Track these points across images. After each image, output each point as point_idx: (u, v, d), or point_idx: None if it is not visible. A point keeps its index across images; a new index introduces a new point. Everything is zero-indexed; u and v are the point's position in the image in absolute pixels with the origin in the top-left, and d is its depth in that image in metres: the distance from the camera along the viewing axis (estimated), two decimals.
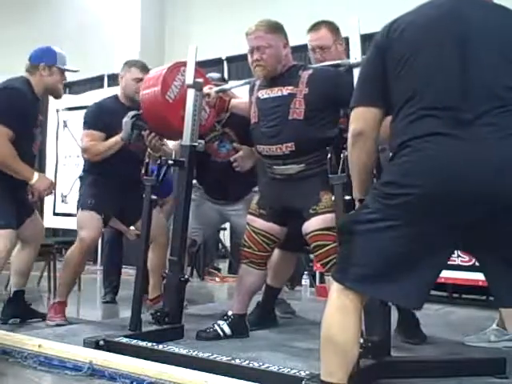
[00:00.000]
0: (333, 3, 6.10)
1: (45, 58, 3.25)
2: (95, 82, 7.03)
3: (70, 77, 7.34)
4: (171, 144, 3.58)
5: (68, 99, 7.10)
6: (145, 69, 3.59)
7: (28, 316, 3.36)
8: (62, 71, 3.30)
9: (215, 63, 6.02)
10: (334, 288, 1.75)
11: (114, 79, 6.92)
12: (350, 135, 1.87)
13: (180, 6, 7.65)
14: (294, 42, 5.74)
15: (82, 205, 3.51)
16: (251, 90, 3.10)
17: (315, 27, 3.12)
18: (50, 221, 6.70)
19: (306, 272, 4.85)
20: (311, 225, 2.83)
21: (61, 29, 8.05)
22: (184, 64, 3.22)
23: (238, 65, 6.00)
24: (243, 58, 5.86)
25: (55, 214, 6.86)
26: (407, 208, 1.61)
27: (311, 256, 4.38)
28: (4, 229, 3.04)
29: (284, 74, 2.92)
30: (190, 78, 3.12)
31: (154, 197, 3.02)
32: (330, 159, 2.62)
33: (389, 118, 1.81)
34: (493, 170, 1.55)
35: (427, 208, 1.60)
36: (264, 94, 2.96)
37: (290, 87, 2.86)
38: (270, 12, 6.58)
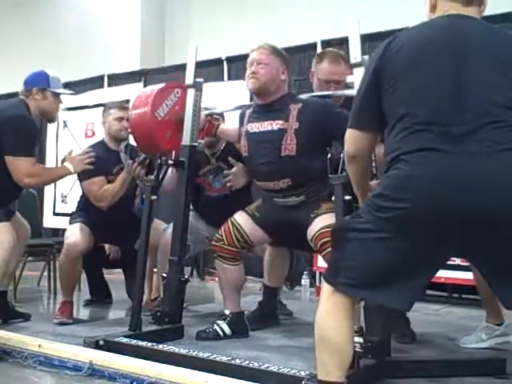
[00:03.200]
0: (333, 3, 6.09)
1: (37, 82, 3.25)
2: (95, 82, 7.04)
3: (70, 77, 7.39)
4: None
5: (68, 99, 7.10)
6: (123, 107, 3.77)
7: (10, 316, 3.35)
8: (56, 94, 3.29)
9: (215, 63, 6.02)
10: (325, 289, 1.77)
11: (114, 79, 6.96)
12: (345, 154, 1.94)
13: (180, 6, 7.64)
14: (293, 42, 5.76)
15: (70, 222, 3.61)
16: (241, 119, 3.11)
17: (335, 60, 3.10)
18: (49, 221, 6.71)
19: (305, 272, 4.85)
20: (315, 226, 2.84)
21: (61, 29, 8.04)
22: (178, 85, 3.23)
23: (237, 65, 5.98)
24: (243, 57, 5.88)
25: (55, 214, 6.87)
26: (398, 222, 1.62)
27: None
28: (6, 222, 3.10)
29: (275, 103, 2.94)
30: (189, 77, 3.12)
31: (153, 197, 3.02)
32: (329, 159, 2.61)
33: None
34: (484, 186, 1.55)
35: (418, 223, 1.60)
36: (254, 127, 2.97)
37: (280, 122, 2.87)
38: (270, 12, 6.65)
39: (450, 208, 1.56)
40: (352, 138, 1.88)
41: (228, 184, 3.23)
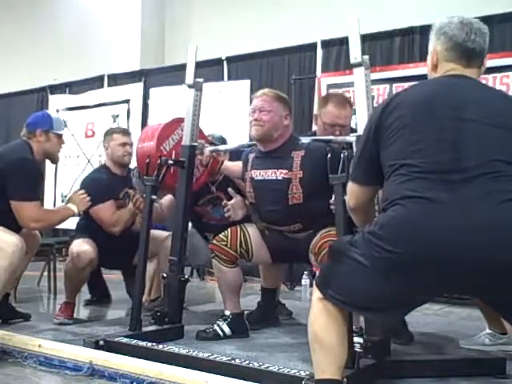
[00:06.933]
0: (333, 3, 6.09)
1: (41, 124, 3.25)
2: (95, 82, 7.04)
3: (70, 77, 7.38)
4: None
5: (68, 99, 7.11)
6: (126, 133, 3.83)
7: (10, 316, 3.35)
8: (59, 136, 3.32)
9: (215, 63, 6.02)
10: (316, 292, 1.80)
11: (113, 79, 6.95)
12: (347, 205, 2.06)
13: (180, 5, 7.64)
14: (294, 42, 5.76)
15: (73, 238, 3.58)
16: (245, 162, 3.12)
17: (341, 103, 3.09)
18: None
19: (305, 272, 4.84)
20: (317, 236, 2.89)
21: (61, 29, 8.04)
22: (183, 120, 3.22)
23: (237, 65, 6.00)
24: (243, 58, 5.94)
25: None
26: (392, 265, 1.62)
27: None
28: None
29: (277, 150, 2.95)
30: (189, 78, 3.12)
31: (154, 196, 3.02)
32: (329, 159, 2.61)
33: None
34: (479, 236, 1.54)
35: (414, 269, 1.60)
36: (258, 174, 2.99)
37: (284, 171, 2.89)
38: (270, 12, 6.65)
39: (449, 257, 1.56)
40: (353, 192, 1.95)
41: (226, 215, 3.20)
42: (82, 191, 3.39)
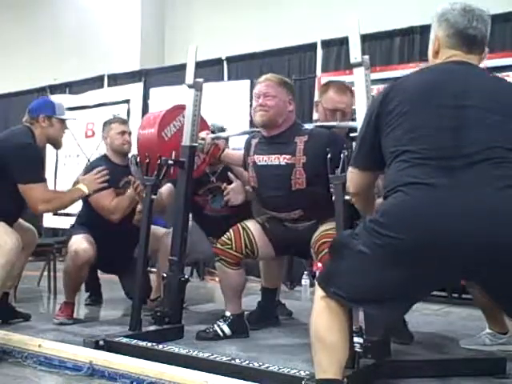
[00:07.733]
0: (333, 3, 6.09)
1: (43, 110, 3.26)
2: (95, 82, 7.04)
3: (70, 77, 7.37)
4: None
5: (68, 99, 7.11)
6: (124, 121, 3.91)
7: (10, 316, 3.35)
8: (62, 121, 3.33)
9: (215, 63, 6.02)
10: (318, 291, 1.80)
11: (114, 79, 6.96)
12: (347, 191, 2.08)
13: (180, 5, 7.64)
14: (294, 42, 5.76)
15: (72, 233, 3.56)
16: (247, 148, 3.12)
17: (341, 90, 3.10)
18: (49, 221, 6.71)
19: (305, 272, 4.85)
20: (317, 231, 2.88)
21: (61, 29, 8.04)
22: (185, 107, 3.21)
23: (237, 65, 6.00)
24: (243, 57, 5.94)
25: (55, 213, 6.85)
26: (394, 251, 1.62)
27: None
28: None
29: (281, 135, 2.94)
30: (189, 78, 3.12)
31: (153, 196, 3.02)
32: (329, 159, 2.61)
33: None
34: (479, 222, 1.54)
35: (415, 255, 1.60)
36: (261, 159, 2.99)
37: (288, 156, 2.88)
38: (270, 12, 6.65)
39: (450, 243, 1.56)
40: (354, 178, 1.96)
41: (225, 198, 3.22)
42: (100, 168, 3.37)
